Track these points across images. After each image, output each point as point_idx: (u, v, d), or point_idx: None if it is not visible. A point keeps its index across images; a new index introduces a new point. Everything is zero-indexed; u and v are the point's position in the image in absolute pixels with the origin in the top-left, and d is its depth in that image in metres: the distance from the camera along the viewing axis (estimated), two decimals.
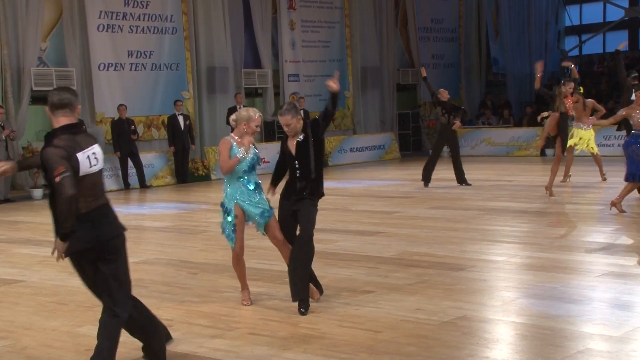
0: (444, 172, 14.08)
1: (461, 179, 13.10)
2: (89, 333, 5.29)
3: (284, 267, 7.19)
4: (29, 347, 5.05)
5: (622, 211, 9.51)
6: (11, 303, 6.27)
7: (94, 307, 5.97)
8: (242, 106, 16.96)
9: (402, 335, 4.92)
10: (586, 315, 5.35)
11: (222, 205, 5.86)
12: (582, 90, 12.93)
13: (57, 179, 3.97)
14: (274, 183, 6.05)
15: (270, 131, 18.98)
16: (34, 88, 14.87)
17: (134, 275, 7.14)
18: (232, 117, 5.98)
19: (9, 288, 6.83)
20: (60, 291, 6.61)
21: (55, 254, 4.12)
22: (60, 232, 4.04)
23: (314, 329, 5.20)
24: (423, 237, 8.55)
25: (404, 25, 22.57)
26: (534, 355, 4.54)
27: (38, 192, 14.10)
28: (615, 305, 5.57)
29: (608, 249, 7.70)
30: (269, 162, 18.05)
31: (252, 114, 5.84)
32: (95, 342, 5.07)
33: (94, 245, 4.19)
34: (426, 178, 13.18)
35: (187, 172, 16.20)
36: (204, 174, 16.70)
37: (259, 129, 5.93)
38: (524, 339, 4.86)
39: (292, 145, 5.81)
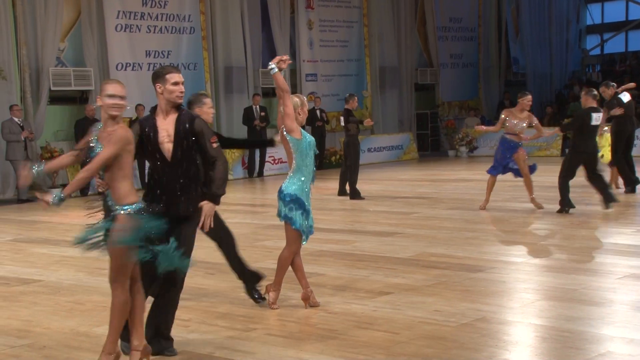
0: (462, 173, 13.97)
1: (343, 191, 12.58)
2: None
3: None
4: (47, 346, 5.06)
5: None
6: (29, 303, 6.30)
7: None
8: (258, 106, 16.96)
9: (419, 336, 4.88)
10: (607, 317, 5.27)
11: (296, 197, 5.47)
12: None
13: (215, 146, 4.56)
14: None
15: None
16: (53, 88, 14.99)
17: None
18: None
19: (27, 288, 6.86)
20: (78, 291, 6.63)
21: (207, 221, 4.47)
22: (219, 194, 4.51)
23: (331, 329, 5.16)
24: (441, 237, 8.49)
25: (423, 25, 22.46)
26: (554, 358, 4.47)
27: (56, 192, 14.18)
28: (637, 307, 5.48)
29: (630, 250, 7.59)
30: (286, 162, 18.06)
31: (303, 98, 5.63)
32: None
33: None
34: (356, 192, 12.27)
35: None
36: None
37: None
38: (543, 342, 4.80)
39: None
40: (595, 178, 9.73)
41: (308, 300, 5.72)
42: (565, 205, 9.76)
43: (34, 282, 7.07)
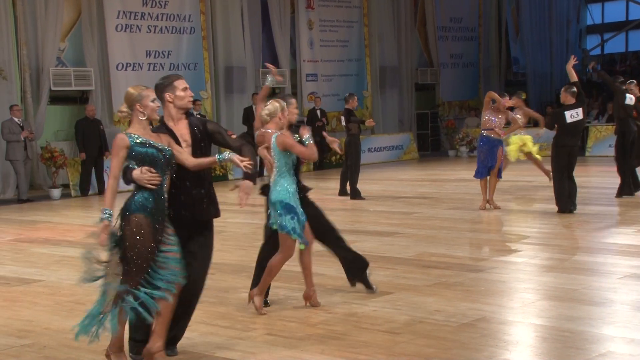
0: (462, 173, 13.99)
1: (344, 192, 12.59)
2: (107, 333, 5.29)
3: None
4: (48, 346, 5.07)
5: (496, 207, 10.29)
6: (30, 303, 6.30)
7: None
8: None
9: (420, 336, 4.88)
10: (608, 317, 5.27)
11: (284, 203, 5.43)
12: (524, 97, 13.07)
13: (234, 136, 4.81)
14: None
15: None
16: (53, 88, 14.99)
17: None
18: (264, 112, 5.56)
19: (27, 288, 6.86)
20: (78, 291, 6.61)
21: (245, 198, 4.57)
22: (253, 173, 4.60)
23: (332, 330, 5.16)
24: (442, 238, 8.49)
25: (423, 25, 22.46)
26: (554, 357, 4.47)
27: (57, 192, 14.20)
28: (638, 307, 5.48)
29: (630, 250, 7.58)
30: None
31: (283, 104, 5.55)
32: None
33: None
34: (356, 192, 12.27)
35: None
36: (221, 174, 16.72)
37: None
38: (544, 342, 4.80)
39: None
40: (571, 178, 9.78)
41: (310, 300, 5.72)
42: (563, 206, 9.74)
43: (34, 282, 7.07)
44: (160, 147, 4.31)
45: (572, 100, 9.73)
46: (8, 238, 9.80)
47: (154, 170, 4.26)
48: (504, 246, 8.16)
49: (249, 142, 4.74)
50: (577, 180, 10.05)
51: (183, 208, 4.56)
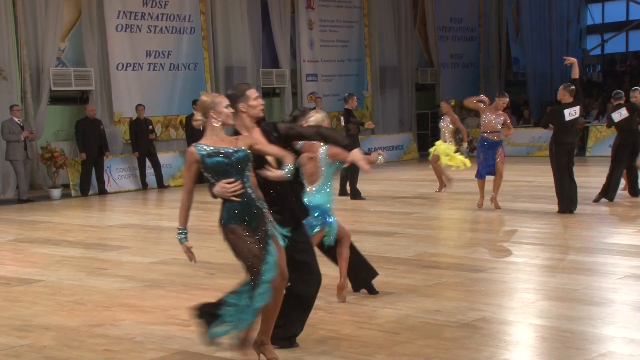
0: (462, 173, 13.97)
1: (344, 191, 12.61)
2: (108, 333, 5.30)
3: None
4: (48, 346, 5.06)
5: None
6: (30, 302, 6.30)
7: (112, 307, 6.00)
8: None
9: (420, 337, 4.87)
10: (608, 317, 5.27)
11: (324, 207, 5.62)
12: (453, 103, 13.13)
13: (305, 124, 5.06)
14: None
15: None
16: (53, 88, 14.98)
17: (151, 275, 7.18)
18: (311, 121, 5.48)
19: (27, 287, 6.86)
20: (79, 291, 6.63)
21: (365, 164, 4.54)
22: (347, 142, 4.59)
23: (332, 330, 5.16)
24: (442, 238, 8.49)
25: (423, 25, 22.45)
26: (554, 358, 4.47)
27: (57, 192, 14.20)
28: (638, 307, 5.48)
29: (631, 250, 7.58)
30: None
31: (324, 113, 5.73)
32: (111, 341, 5.09)
33: None
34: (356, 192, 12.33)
35: None
36: None
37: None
38: (544, 342, 4.79)
39: None
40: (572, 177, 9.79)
41: (342, 291, 5.84)
42: (564, 206, 9.74)
43: (34, 282, 7.07)
44: (230, 151, 4.26)
45: (570, 99, 9.72)
46: (8, 238, 9.80)
47: (231, 181, 4.25)
48: (504, 246, 8.16)
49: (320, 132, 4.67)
50: (578, 180, 10.04)
51: (283, 209, 4.59)
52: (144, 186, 15.32)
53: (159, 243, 9.25)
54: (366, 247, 8.08)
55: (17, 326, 5.57)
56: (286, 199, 4.61)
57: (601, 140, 18.44)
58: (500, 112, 10.48)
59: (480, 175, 10.47)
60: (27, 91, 14.74)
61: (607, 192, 10.78)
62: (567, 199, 9.71)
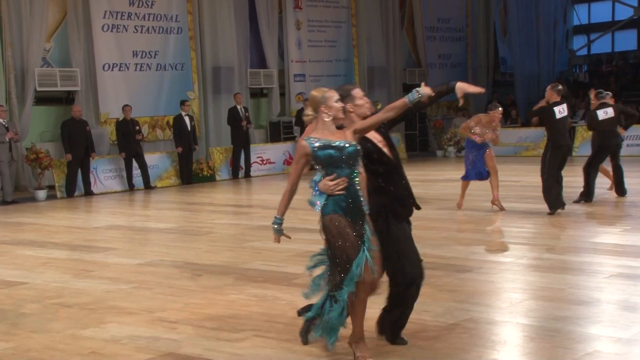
0: (450, 173, 14.02)
1: None
2: (93, 335, 5.26)
3: (289, 269, 7.16)
4: (33, 349, 5.02)
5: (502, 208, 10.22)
6: (15, 305, 6.24)
7: (99, 310, 5.95)
8: (242, 107, 16.93)
9: (408, 336, 4.86)
10: (595, 316, 5.28)
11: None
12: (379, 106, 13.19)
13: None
14: None
15: (275, 132, 18.93)
16: (38, 89, 14.89)
17: (138, 277, 7.14)
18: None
19: (12, 290, 6.80)
20: (64, 293, 6.58)
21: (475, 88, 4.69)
22: (428, 91, 4.55)
23: None
24: (429, 238, 8.49)
25: (411, 25, 22.51)
26: (542, 357, 4.48)
27: (42, 194, 14.10)
28: (624, 306, 5.50)
29: (617, 250, 7.62)
30: (274, 162, 18.03)
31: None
32: (97, 344, 5.05)
33: None
34: None
35: (191, 173, 16.18)
36: (208, 174, 16.67)
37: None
38: (531, 341, 4.80)
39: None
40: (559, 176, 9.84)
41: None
42: (552, 206, 9.76)
43: (19, 284, 7.01)
44: (341, 145, 4.34)
45: (558, 98, 9.86)
46: None
47: (333, 177, 4.32)
48: (492, 246, 8.17)
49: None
50: (565, 180, 10.09)
51: (395, 201, 4.64)
52: (131, 187, 15.24)
53: (146, 244, 9.20)
54: None
55: (1, 329, 5.51)
56: (400, 188, 4.69)
57: (587, 140, 18.48)
58: (496, 123, 10.38)
59: (467, 177, 10.47)
60: (12, 92, 14.64)
61: (588, 195, 10.81)
62: (555, 199, 9.75)
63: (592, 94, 11.57)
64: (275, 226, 4.45)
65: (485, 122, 10.36)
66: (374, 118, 4.47)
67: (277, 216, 4.44)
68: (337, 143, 4.34)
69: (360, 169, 4.42)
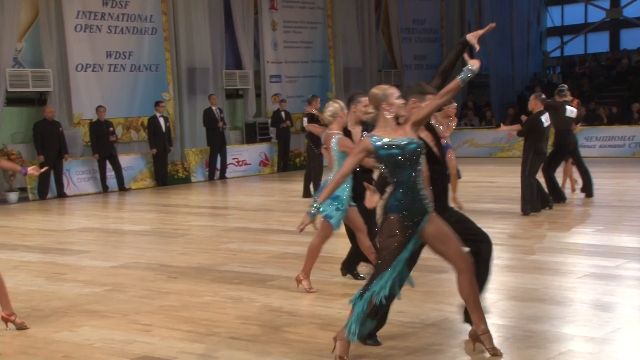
0: None
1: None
2: (65, 339, 5.19)
3: (265, 271, 7.13)
4: (3, 354, 4.94)
5: None
6: None
7: (71, 313, 5.88)
8: (217, 108, 16.85)
9: (383, 338, 4.87)
10: (568, 316, 5.33)
11: (335, 195, 5.86)
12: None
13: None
14: None
15: (251, 133, 18.87)
16: (9, 89, 14.65)
17: (112, 279, 7.07)
18: (327, 113, 6.01)
19: None
20: (36, 297, 6.49)
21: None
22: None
23: (296, 332, 5.13)
24: None
25: (386, 26, 22.57)
26: (516, 357, 4.50)
27: (14, 196, 13.90)
28: (597, 306, 5.55)
29: (590, 250, 7.70)
30: (249, 164, 17.98)
31: (342, 104, 6.04)
32: (70, 348, 4.99)
33: None
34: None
35: (166, 175, 16.07)
36: (184, 176, 16.57)
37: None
38: (505, 341, 4.83)
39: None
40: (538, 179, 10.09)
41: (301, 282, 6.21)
42: (532, 207, 9.88)
43: None
44: (403, 143, 4.33)
45: (541, 107, 10.01)
46: None
47: (371, 193, 4.54)
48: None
49: None
50: (539, 180, 10.20)
51: (443, 201, 4.75)
52: (105, 189, 15.09)
53: (120, 247, 9.12)
54: (330, 248, 8.06)
55: None
56: (444, 184, 4.84)
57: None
58: (452, 117, 10.44)
59: None
60: None
61: (560, 195, 10.93)
62: (534, 201, 9.93)
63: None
64: (312, 211, 4.52)
65: (440, 117, 10.42)
66: (429, 106, 4.45)
67: (319, 202, 4.49)
68: (399, 141, 4.34)
69: (424, 167, 4.44)
